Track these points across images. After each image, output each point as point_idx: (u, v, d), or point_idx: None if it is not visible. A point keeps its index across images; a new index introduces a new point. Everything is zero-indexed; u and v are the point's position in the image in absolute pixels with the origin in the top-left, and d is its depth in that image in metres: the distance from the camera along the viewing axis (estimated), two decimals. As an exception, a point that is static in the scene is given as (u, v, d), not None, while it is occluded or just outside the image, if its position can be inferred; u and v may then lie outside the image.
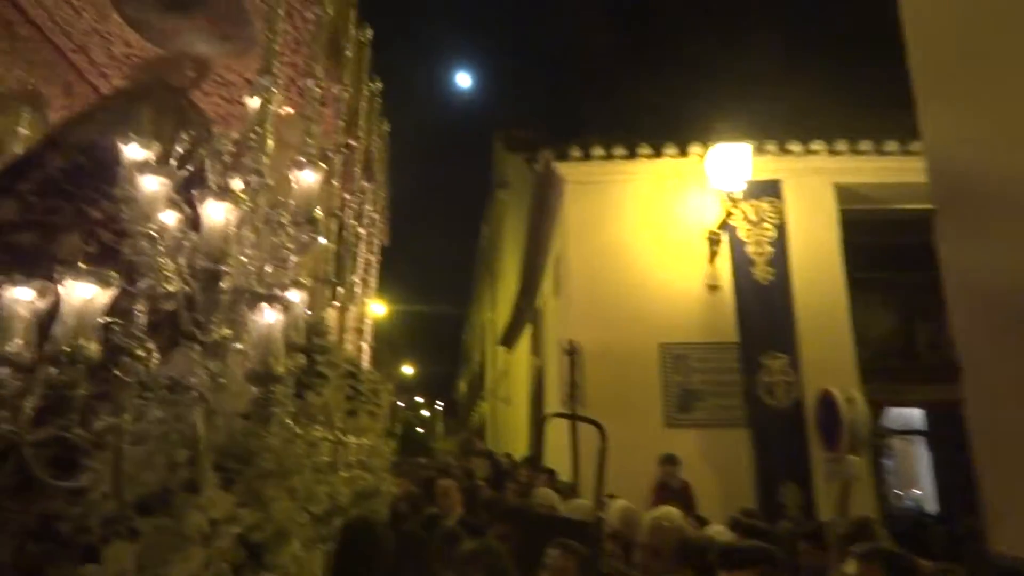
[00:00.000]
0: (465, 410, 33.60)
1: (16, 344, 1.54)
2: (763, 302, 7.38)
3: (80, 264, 1.52)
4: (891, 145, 7.64)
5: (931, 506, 9.93)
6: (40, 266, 1.53)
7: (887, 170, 7.64)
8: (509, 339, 17.68)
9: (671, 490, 6.48)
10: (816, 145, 7.73)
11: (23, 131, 3.96)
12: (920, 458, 11.11)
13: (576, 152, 7.95)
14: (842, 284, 7.45)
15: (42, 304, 1.56)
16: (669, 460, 6.69)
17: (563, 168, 8.04)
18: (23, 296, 1.55)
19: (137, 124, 2.77)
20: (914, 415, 9.90)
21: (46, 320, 1.53)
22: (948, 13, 2.62)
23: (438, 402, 38.68)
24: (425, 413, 39.23)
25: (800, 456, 6.91)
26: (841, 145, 7.73)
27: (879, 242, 7.89)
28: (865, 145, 7.72)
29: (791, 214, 7.61)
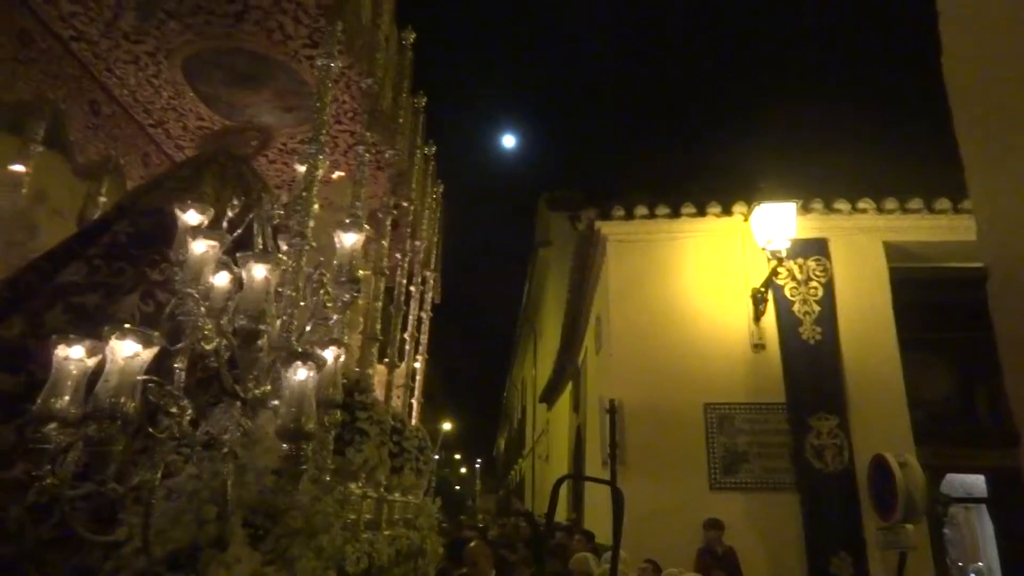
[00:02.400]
0: (504, 467, 33.15)
1: (64, 401, 1.59)
2: (811, 362, 7.18)
3: (125, 324, 1.58)
4: (942, 203, 7.48)
5: (997, 580, 9.28)
6: (101, 326, 1.60)
7: (939, 228, 7.47)
8: (550, 396, 17.53)
9: (716, 556, 6.25)
10: (864, 203, 7.62)
11: (103, 199, 4.22)
12: (983, 527, 10.46)
13: (619, 211, 8.00)
14: (894, 344, 7.22)
15: (91, 362, 1.62)
16: (714, 524, 6.47)
17: (605, 227, 8.09)
18: (74, 355, 1.62)
19: (199, 190, 2.92)
20: (976, 481, 9.37)
21: (93, 378, 1.59)
22: (991, 71, 2.60)
23: (477, 460, 38.29)
24: (463, 470, 38.82)
25: (853, 524, 6.59)
26: (890, 203, 7.60)
27: (933, 301, 7.64)
28: (915, 203, 7.57)
29: (839, 272, 7.47)
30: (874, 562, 6.37)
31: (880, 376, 7.08)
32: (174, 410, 1.64)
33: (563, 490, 14.69)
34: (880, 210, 7.62)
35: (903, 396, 7.03)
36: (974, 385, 7.85)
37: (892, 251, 7.59)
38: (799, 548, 6.63)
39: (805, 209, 7.50)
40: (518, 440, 27.16)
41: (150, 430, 1.65)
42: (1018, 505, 7.39)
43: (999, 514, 8.73)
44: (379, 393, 3.35)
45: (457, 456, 38.45)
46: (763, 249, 7.19)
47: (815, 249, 7.55)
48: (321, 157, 2.36)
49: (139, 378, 1.56)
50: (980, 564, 10.70)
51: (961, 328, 7.26)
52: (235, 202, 2.20)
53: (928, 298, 7.58)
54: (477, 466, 37.78)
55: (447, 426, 28.04)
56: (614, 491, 4.25)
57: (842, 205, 7.64)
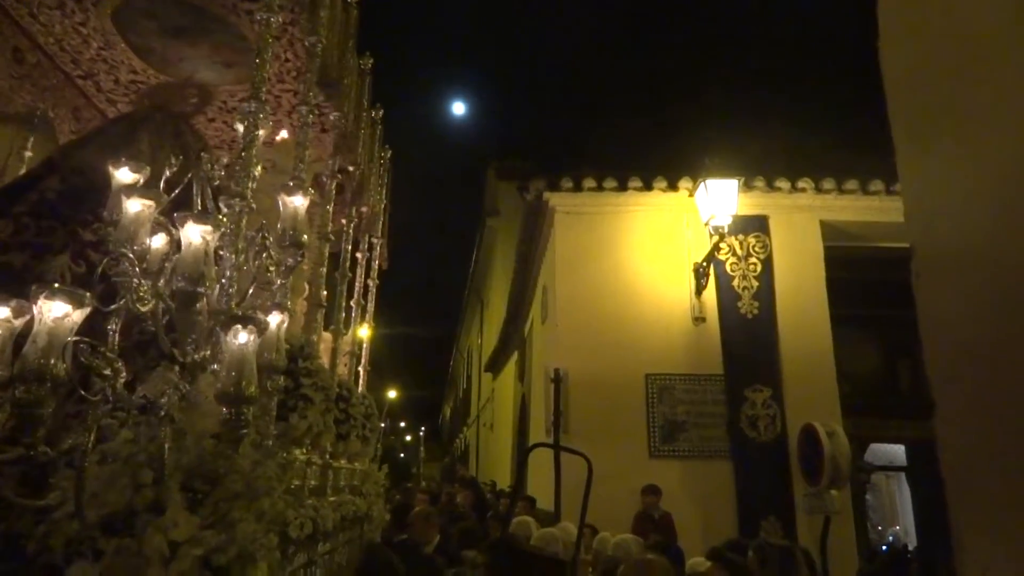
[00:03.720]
0: (449, 436, 33.35)
1: (-10, 362, 1.54)
2: (748, 335, 7.42)
3: (55, 284, 1.52)
4: (876, 184, 7.77)
5: (911, 541, 9.91)
6: (29, 286, 1.53)
7: (872, 209, 7.76)
8: (495, 366, 17.65)
9: (652, 520, 6.45)
10: (803, 182, 7.85)
11: (28, 154, 3.99)
12: (902, 494, 11.11)
13: (567, 183, 8.04)
14: (826, 319, 7.51)
15: (18, 323, 1.56)
16: (652, 490, 6.67)
17: (553, 198, 8.12)
18: (0, 315, 1.55)
19: (135, 148, 2.80)
20: (896, 451, 9.92)
21: (20, 340, 1.53)
22: (924, 57, 2.69)
23: (421, 428, 38.40)
24: (407, 438, 38.90)
25: (783, 490, 6.91)
26: (828, 183, 7.85)
27: (863, 279, 7.97)
28: (851, 184, 7.84)
29: (777, 249, 7.70)
30: (801, 526, 6.70)
31: (813, 350, 7.38)
32: (107, 372, 1.60)
33: (507, 457, 14.89)
34: (818, 190, 7.87)
35: (833, 369, 7.35)
36: (898, 360, 8.28)
37: (828, 230, 7.86)
38: (732, 513, 6.91)
39: (747, 186, 7.67)
40: (464, 408, 27.34)
41: (83, 393, 1.61)
42: (934, 473, 7.86)
43: (916, 482, 9.30)
44: (325, 360, 3.32)
45: (402, 424, 38.47)
46: (706, 224, 7.34)
47: (756, 226, 7.76)
48: (263, 116, 2.29)
49: (70, 339, 1.51)
50: (898, 528, 11.39)
51: (888, 305, 7.61)
52: (173, 161, 2.12)
53: (859, 276, 7.91)
54: (422, 434, 37.90)
55: (392, 394, 28.00)
56: (587, 461, 4.34)
57: (783, 183, 7.85)
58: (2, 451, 1.55)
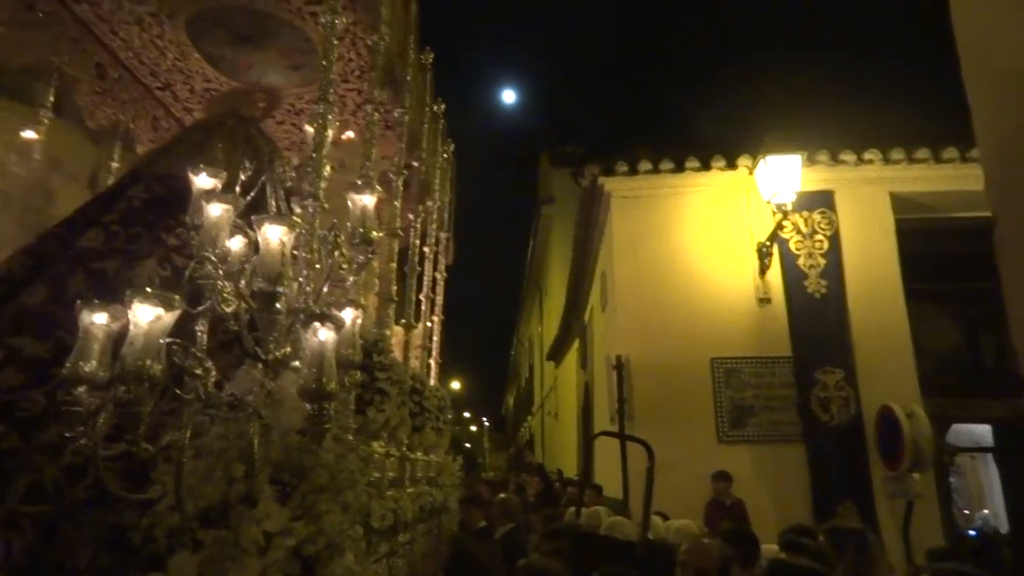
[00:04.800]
0: (512, 425, 33.59)
1: (92, 365, 1.63)
2: (816, 315, 7.22)
3: (146, 289, 1.61)
4: (950, 152, 7.41)
5: (1001, 525, 9.48)
6: (121, 292, 1.62)
7: (945, 178, 7.42)
8: (557, 354, 17.67)
9: (724, 507, 6.37)
10: (870, 154, 7.55)
11: (115, 165, 4.23)
12: (989, 476, 10.63)
13: (622, 166, 7.95)
14: (900, 296, 7.24)
15: (115, 327, 1.65)
16: (722, 477, 6.58)
17: (609, 183, 8.04)
18: (99, 320, 1.65)
19: (210, 154, 2.92)
20: (982, 431, 9.49)
21: (118, 342, 1.62)
22: (999, 15, 2.56)
23: (483, 418, 38.79)
24: (472, 428, 39.35)
25: (859, 474, 6.71)
26: (897, 153, 7.53)
27: (940, 252, 7.63)
28: (922, 153, 7.50)
29: (844, 225, 7.45)
30: (881, 511, 6.50)
31: (886, 328, 7.12)
32: (199, 372, 1.68)
33: (572, 446, 14.92)
34: (887, 161, 7.56)
35: (910, 347, 7.08)
36: (980, 335, 7.90)
37: (898, 202, 7.55)
38: (806, 498, 6.76)
39: (810, 161, 7.44)
40: (527, 398, 27.48)
41: (177, 392, 1.69)
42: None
43: (1005, 463, 8.87)
44: (397, 354, 3.40)
45: (466, 414, 38.96)
46: (768, 202, 7.16)
47: (821, 202, 7.52)
48: (331, 117, 2.34)
49: (163, 341, 1.59)
50: (986, 512, 10.90)
51: (967, 278, 7.28)
52: (247, 165, 2.20)
53: (935, 249, 7.58)
54: (486, 424, 38.30)
55: (456, 385, 28.36)
56: (648, 449, 4.33)
57: (848, 156, 7.57)
58: (106, 448, 1.65)
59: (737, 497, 6.49)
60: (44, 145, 3.89)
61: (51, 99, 4.00)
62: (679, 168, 7.84)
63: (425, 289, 4.29)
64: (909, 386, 6.89)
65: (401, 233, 3.70)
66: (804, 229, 7.46)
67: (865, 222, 7.48)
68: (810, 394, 7.00)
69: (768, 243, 7.40)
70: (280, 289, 1.77)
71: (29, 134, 3.87)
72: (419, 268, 4.05)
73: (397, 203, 3.48)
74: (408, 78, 3.71)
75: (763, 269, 7.46)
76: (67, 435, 1.62)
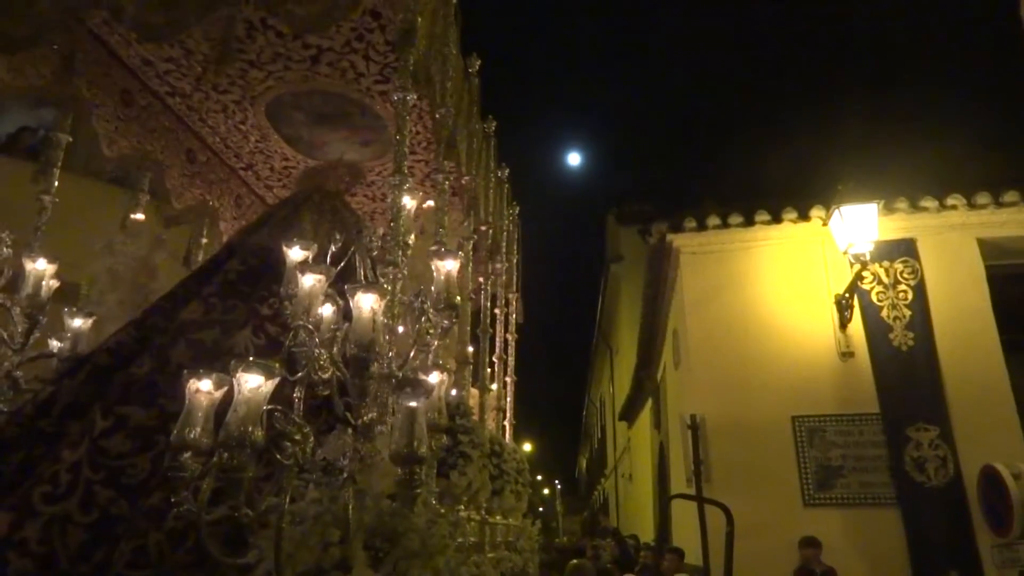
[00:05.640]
0: (586, 488, 32.79)
1: (196, 431, 1.73)
2: (904, 369, 6.86)
3: (247, 358, 1.71)
4: (1040, 194, 7.06)
5: None
6: (218, 361, 1.73)
7: (1038, 221, 7.05)
8: (629, 414, 17.31)
9: (815, 576, 6.01)
10: (953, 199, 7.26)
11: (204, 240, 4.58)
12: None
13: (691, 222, 7.90)
14: (996, 346, 6.81)
15: (218, 395, 1.76)
16: (811, 543, 6.22)
17: (678, 239, 7.99)
18: (204, 387, 1.76)
19: (299, 227, 3.12)
20: (1101, 494, 8.67)
21: (221, 409, 1.72)
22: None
23: (555, 481, 38.04)
24: (544, 491, 38.58)
25: (964, 540, 6.21)
26: (982, 197, 7.22)
27: (1037, 299, 7.19)
28: (1010, 196, 7.16)
29: (930, 274, 7.13)
30: (990, 580, 5.99)
31: (983, 382, 6.69)
32: (298, 437, 1.75)
33: (648, 509, 14.44)
34: (971, 205, 7.25)
35: (1011, 402, 6.61)
36: (1090, 387, 7.32)
37: (987, 248, 7.20)
38: (904, 567, 6.29)
39: (888, 209, 7.21)
40: (599, 459, 26.88)
41: (276, 456, 1.77)
42: None
43: None
44: (475, 416, 3.44)
45: (538, 477, 38.36)
46: (844, 253, 6.96)
47: (902, 250, 7.24)
48: (407, 187, 2.47)
49: (265, 407, 1.68)
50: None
51: (1071, 326, 6.82)
52: (337, 236, 2.33)
53: (1031, 296, 7.16)
54: (559, 487, 37.52)
55: (527, 447, 28.04)
56: (726, 512, 4.18)
57: (929, 203, 7.31)
58: (208, 512, 1.73)
59: (828, 565, 6.11)
60: (148, 225, 4.24)
61: (147, 184, 4.38)
62: (749, 222, 7.73)
63: (498, 350, 4.35)
64: (1013, 443, 6.40)
65: (473, 296, 3.79)
66: (886, 279, 7.19)
67: (952, 270, 7.15)
68: (903, 453, 6.59)
69: (847, 295, 7.15)
70: (372, 355, 1.85)
71: (138, 216, 4.23)
72: (491, 330, 4.12)
73: (468, 267, 3.59)
74: (472, 146, 3.88)
75: (844, 322, 7.19)
76: (172, 500, 1.71)
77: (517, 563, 3.38)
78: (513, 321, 4.98)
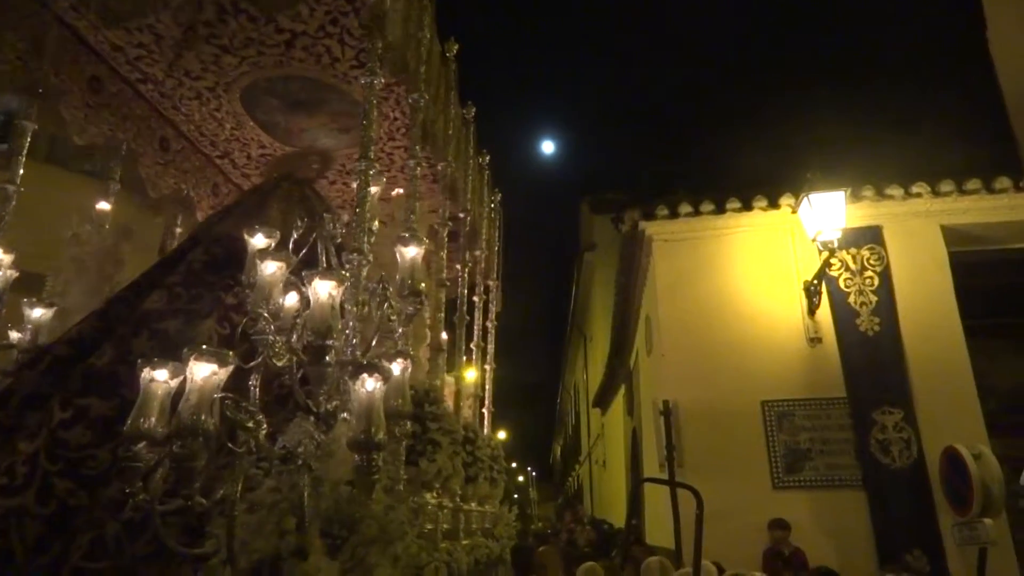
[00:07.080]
0: (560, 475, 33.02)
1: (151, 421, 1.70)
2: (870, 354, 6.99)
3: (203, 346, 1.68)
4: (1002, 182, 7.21)
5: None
6: (182, 350, 1.70)
7: (1000, 208, 7.22)
8: (603, 401, 17.43)
9: (783, 557, 6.12)
10: (918, 187, 7.39)
11: (179, 230, 4.49)
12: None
13: (663, 210, 7.95)
14: (959, 331, 6.97)
15: (174, 384, 1.73)
16: (779, 525, 6.34)
17: (650, 227, 8.04)
18: (159, 377, 1.73)
19: (266, 216, 3.07)
20: (1058, 473, 8.95)
21: (177, 399, 1.69)
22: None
23: (530, 468, 38.24)
24: (519, 478, 38.80)
25: (926, 520, 6.37)
26: (946, 185, 7.35)
27: (998, 284, 7.37)
28: (973, 183, 7.31)
29: (895, 260, 7.26)
30: (952, 559, 6.15)
31: (946, 366, 6.85)
32: (250, 425, 1.73)
33: (622, 495, 14.58)
34: (936, 193, 7.38)
35: (972, 385, 6.77)
36: (1049, 370, 7.53)
37: (951, 235, 7.35)
38: (869, 546, 6.44)
39: (855, 197, 7.32)
40: (574, 446, 27.07)
41: (230, 446, 1.74)
42: (1104, 494, 7.03)
43: (1084, 504, 8.32)
44: (450, 404, 3.42)
45: (512, 464, 38.52)
46: (813, 241, 7.05)
47: (869, 237, 7.37)
48: (373, 172, 2.44)
49: (216, 396, 1.65)
50: (1066, 557, 10.18)
51: (1030, 311, 7.00)
52: (299, 224, 2.30)
53: (993, 281, 7.32)
54: (533, 474, 37.72)
55: (502, 435, 28.11)
56: (696, 495, 4.22)
57: (895, 190, 7.43)
58: (163, 503, 1.70)
59: (796, 546, 6.23)
60: (113, 215, 4.14)
61: (118, 172, 4.28)
62: (720, 209, 7.80)
63: (476, 338, 4.33)
64: (974, 426, 6.57)
65: (448, 283, 3.76)
66: (853, 266, 7.30)
67: (917, 257, 7.28)
68: (869, 436, 6.74)
69: (816, 281, 7.26)
70: (330, 342, 1.82)
71: (103, 205, 4.13)
72: (468, 318, 4.09)
73: (443, 254, 3.56)
74: (449, 132, 3.83)
75: (812, 308, 7.30)
76: (127, 490, 1.68)
77: (494, 550, 3.38)
78: (492, 309, 4.95)
